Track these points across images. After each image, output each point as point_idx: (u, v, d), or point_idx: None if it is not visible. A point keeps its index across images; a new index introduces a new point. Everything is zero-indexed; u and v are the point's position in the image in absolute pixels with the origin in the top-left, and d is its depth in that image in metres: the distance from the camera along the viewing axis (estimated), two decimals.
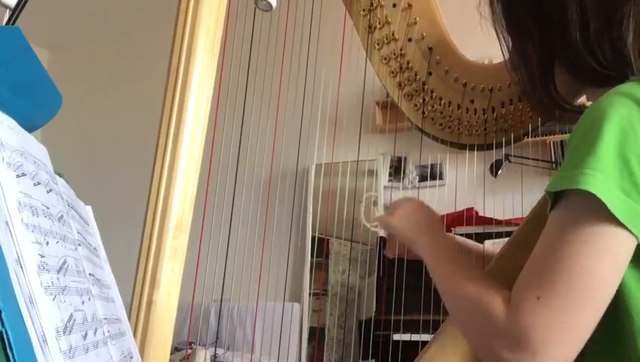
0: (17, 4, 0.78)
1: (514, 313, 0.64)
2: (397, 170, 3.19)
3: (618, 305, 0.66)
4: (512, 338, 0.64)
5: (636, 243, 0.64)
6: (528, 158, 2.61)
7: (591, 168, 0.62)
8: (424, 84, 1.09)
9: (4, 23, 0.77)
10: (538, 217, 0.85)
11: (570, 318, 0.62)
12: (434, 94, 1.09)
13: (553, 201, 0.67)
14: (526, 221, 0.94)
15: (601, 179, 0.62)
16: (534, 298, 0.63)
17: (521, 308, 0.64)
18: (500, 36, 0.86)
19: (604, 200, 0.61)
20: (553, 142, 2.76)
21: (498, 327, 0.65)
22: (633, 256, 0.65)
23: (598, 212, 0.62)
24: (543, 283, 0.63)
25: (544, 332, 0.62)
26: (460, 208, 2.56)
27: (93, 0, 3.77)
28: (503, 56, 0.88)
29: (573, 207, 0.64)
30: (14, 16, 0.78)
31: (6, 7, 0.79)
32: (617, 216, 0.61)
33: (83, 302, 0.54)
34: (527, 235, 0.87)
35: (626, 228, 0.62)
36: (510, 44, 0.85)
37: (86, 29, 4.23)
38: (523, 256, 0.75)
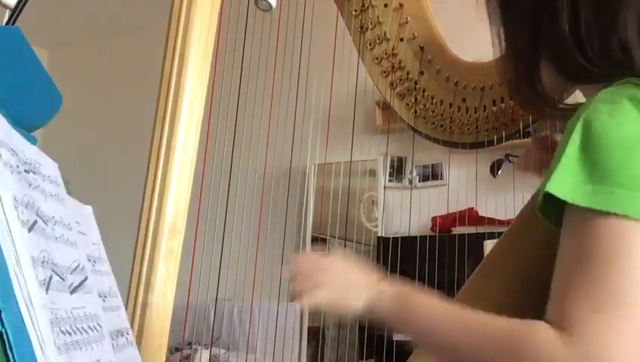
0: (17, 4, 0.78)
1: (574, 336, 0.59)
2: (397, 170, 3.19)
3: None
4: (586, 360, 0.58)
5: None
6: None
7: (613, 185, 0.61)
8: (416, 83, 1.10)
9: (4, 23, 0.77)
10: (523, 224, 0.85)
11: (633, 321, 0.59)
12: (426, 93, 1.10)
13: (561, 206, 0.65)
14: (512, 227, 0.92)
15: (624, 195, 0.60)
16: (591, 313, 0.59)
17: (583, 328, 0.59)
18: (492, 22, 0.84)
19: (632, 216, 0.60)
20: None
21: (557, 357, 0.59)
22: None
23: (625, 223, 0.60)
24: (600, 296, 0.59)
25: (615, 347, 0.58)
26: (460, 208, 2.56)
27: (93, 0, 3.77)
28: (493, 45, 0.87)
29: (612, 225, 0.61)
30: (14, 16, 0.78)
31: (6, 7, 0.80)
32: None
33: (83, 302, 0.54)
34: (514, 241, 0.86)
35: None
36: (502, 31, 0.83)
37: (86, 29, 4.23)
38: (509, 265, 0.74)
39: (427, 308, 0.70)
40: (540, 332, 0.60)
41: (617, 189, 0.61)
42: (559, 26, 0.73)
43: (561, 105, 0.84)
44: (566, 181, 0.64)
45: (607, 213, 0.61)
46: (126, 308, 0.74)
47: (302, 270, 0.77)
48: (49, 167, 0.57)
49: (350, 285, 0.77)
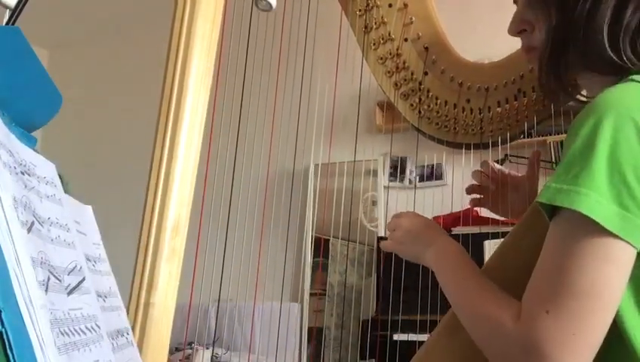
0: (17, 4, 0.78)
1: (525, 328, 0.66)
2: (397, 170, 3.19)
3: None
4: (527, 352, 0.65)
5: (636, 252, 0.65)
6: (528, 158, 2.60)
7: (584, 186, 0.64)
8: (420, 83, 1.09)
9: (4, 23, 0.77)
10: (528, 224, 0.85)
11: (581, 329, 0.64)
12: (430, 94, 1.09)
13: (550, 210, 0.69)
14: (516, 227, 0.94)
15: (595, 198, 0.64)
16: (544, 312, 0.65)
17: (532, 323, 0.66)
18: (525, 14, 0.84)
19: (597, 219, 0.63)
20: (552, 142, 2.76)
21: (511, 342, 0.67)
22: None
23: (593, 229, 0.64)
24: (550, 298, 0.65)
25: (557, 345, 0.64)
26: (460, 208, 2.56)
27: (93, 0, 3.77)
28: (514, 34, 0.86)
29: (571, 223, 0.66)
30: (14, 16, 0.78)
31: (6, 7, 0.79)
32: (614, 231, 0.63)
33: (80, 303, 0.54)
34: (518, 242, 0.87)
35: (624, 240, 0.63)
36: (536, 22, 0.83)
37: (86, 29, 4.23)
38: (513, 264, 0.76)
39: (456, 273, 0.84)
40: (507, 316, 0.69)
41: (580, 188, 0.64)
42: (596, 16, 0.74)
43: (578, 98, 0.84)
44: (549, 183, 0.68)
45: (568, 210, 0.65)
46: (128, 308, 0.74)
47: (388, 227, 1.01)
48: (45, 168, 0.56)
49: (417, 239, 0.94)
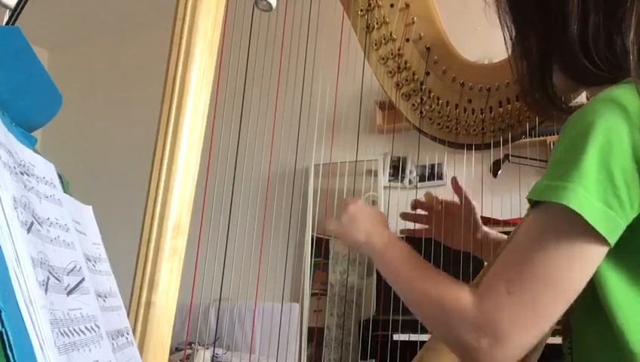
0: (17, 4, 0.78)
1: (483, 303, 0.69)
2: (397, 170, 3.19)
3: (599, 297, 0.70)
4: (480, 326, 0.68)
5: (608, 249, 0.67)
6: (528, 158, 2.61)
7: (573, 182, 0.65)
8: (422, 83, 1.09)
9: (4, 23, 0.77)
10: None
11: (537, 313, 0.67)
12: (432, 94, 1.09)
13: (534, 203, 0.70)
14: (518, 227, 0.94)
15: (582, 193, 0.65)
16: (505, 292, 0.68)
17: (491, 299, 0.69)
18: (503, 24, 0.86)
19: (582, 214, 0.64)
20: (552, 142, 2.76)
21: (465, 316, 0.70)
22: (612, 252, 0.68)
23: (576, 223, 0.65)
24: (516, 281, 0.68)
25: (512, 323, 0.67)
26: None
27: (93, 0, 3.77)
28: (506, 45, 0.87)
29: (553, 215, 0.68)
30: (14, 16, 0.78)
31: (6, 7, 0.79)
32: (596, 227, 0.64)
33: (79, 303, 0.54)
34: None
35: (602, 237, 0.65)
36: (513, 33, 0.85)
37: (86, 29, 4.23)
38: None
39: (401, 261, 0.84)
40: (463, 293, 0.71)
41: (568, 184, 0.66)
42: (567, 29, 0.75)
43: (567, 107, 0.85)
44: (540, 180, 0.70)
45: (553, 204, 0.66)
46: (130, 308, 0.74)
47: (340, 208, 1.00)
48: (44, 168, 0.56)
49: (361, 228, 0.94)
